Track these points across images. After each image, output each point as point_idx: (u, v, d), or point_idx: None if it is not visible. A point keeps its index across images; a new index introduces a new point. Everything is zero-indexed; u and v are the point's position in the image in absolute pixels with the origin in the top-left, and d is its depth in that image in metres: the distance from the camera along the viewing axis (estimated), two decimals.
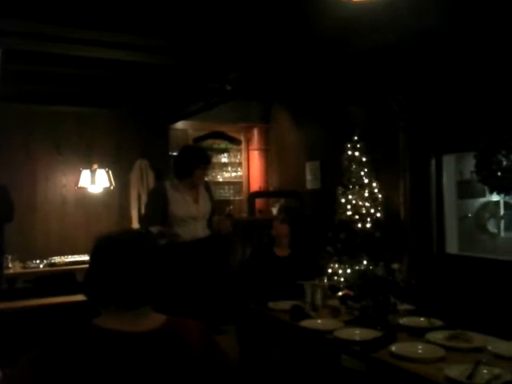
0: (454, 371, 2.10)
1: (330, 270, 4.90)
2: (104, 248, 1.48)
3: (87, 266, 1.49)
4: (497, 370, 2.07)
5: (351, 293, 3.40)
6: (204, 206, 3.98)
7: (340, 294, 3.63)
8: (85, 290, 1.47)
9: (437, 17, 3.70)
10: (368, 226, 4.90)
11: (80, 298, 4.87)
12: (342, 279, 4.74)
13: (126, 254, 1.45)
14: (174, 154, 6.38)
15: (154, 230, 3.75)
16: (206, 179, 4.27)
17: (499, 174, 3.97)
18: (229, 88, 5.46)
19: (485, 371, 2.08)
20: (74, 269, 5.40)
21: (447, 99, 4.48)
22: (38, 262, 5.44)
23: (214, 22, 3.98)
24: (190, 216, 3.88)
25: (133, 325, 1.40)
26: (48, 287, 5.30)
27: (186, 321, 1.52)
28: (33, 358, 1.32)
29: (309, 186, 6.36)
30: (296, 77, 5.42)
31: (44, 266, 5.39)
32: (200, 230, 3.92)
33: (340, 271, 4.87)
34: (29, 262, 5.41)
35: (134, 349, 1.35)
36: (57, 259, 5.54)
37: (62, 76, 5.31)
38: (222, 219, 4.02)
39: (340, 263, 4.91)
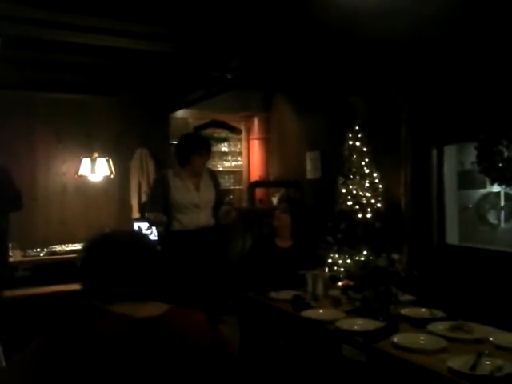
0: (457, 362, 2.10)
1: (329, 260, 4.91)
2: (101, 247, 1.53)
3: (82, 260, 1.54)
4: (499, 362, 2.08)
5: (351, 283, 3.41)
6: (206, 194, 3.97)
7: (340, 283, 3.64)
8: (85, 286, 1.52)
9: (440, 7, 3.68)
10: (368, 216, 4.90)
11: (79, 286, 4.90)
12: (342, 269, 4.75)
13: (124, 253, 1.50)
14: (174, 142, 6.38)
15: (151, 216, 3.82)
16: (209, 167, 4.28)
17: (500, 164, 3.97)
18: (229, 77, 5.43)
19: (487, 362, 2.09)
20: (75, 257, 5.40)
21: (449, 90, 4.46)
22: (38, 250, 5.44)
23: (215, 9, 3.94)
24: (192, 203, 3.88)
25: (137, 311, 1.45)
26: (48, 275, 5.31)
27: (188, 310, 1.56)
28: (43, 340, 1.36)
29: (309, 175, 6.35)
30: (298, 66, 5.39)
31: (44, 255, 5.40)
32: (203, 219, 3.92)
33: (340, 261, 4.88)
34: (29, 251, 5.41)
35: (137, 332, 1.39)
36: (57, 248, 5.53)
37: (62, 63, 5.27)
38: (228, 210, 4.00)
39: (340, 253, 4.91)
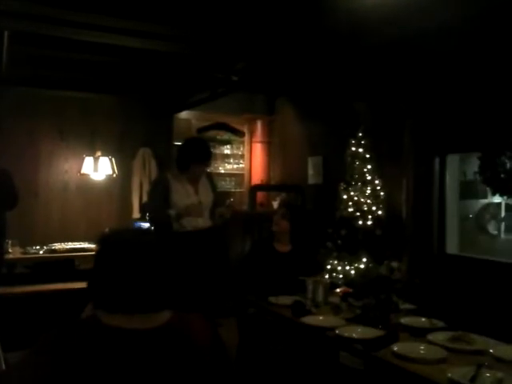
0: (457, 373, 2.10)
1: (329, 267, 4.90)
2: (113, 248, 1.44)
3: (87, 253, 1.48)
4: (500, 374, 2.07)
5: (349, 289, 3.40)
6: (205, 197, 4.03)
7: (338, 290, 3.63)
8: (91, 292, 1.44)
9: (448, 15, 3.68)
10: (369, 223, 4.89)
11: (78, 285, 4.90)
12: (341, 276, 4.74)
13: (138, 257, 1.42)
14: (177, 143, 6.37)
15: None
16: (207, 170, 4.30)
17: (503, 175, 3.97)
18: (235, 79, 5.43)
19: (487, 375, 2.08)
20: (74, 256, 5.40)
21: (454, 99, 4.47)
22: (37, 247, 5.43)
23: (222, 11, 3.95)
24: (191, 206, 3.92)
25: (137, 323, 1.38)
26: (47, 273, 5.30)
27: (189, 316, 1.51)
28: (38, 350, 1.32)
29: (311, 180, 6.35)
30: (303, 70, 5.39)
31: (44, 252, 5.38)
32: (201, 221, 3.97)
33: (339, 268, 4.87)
34: (29, 248, 5.40)
35: (137, 346, 1.35)
36: (57, 245, 5.52)
37: (67, 61, 5.27)
38: (222, 212, 4.04)
39: (340, 260, 4.90)
